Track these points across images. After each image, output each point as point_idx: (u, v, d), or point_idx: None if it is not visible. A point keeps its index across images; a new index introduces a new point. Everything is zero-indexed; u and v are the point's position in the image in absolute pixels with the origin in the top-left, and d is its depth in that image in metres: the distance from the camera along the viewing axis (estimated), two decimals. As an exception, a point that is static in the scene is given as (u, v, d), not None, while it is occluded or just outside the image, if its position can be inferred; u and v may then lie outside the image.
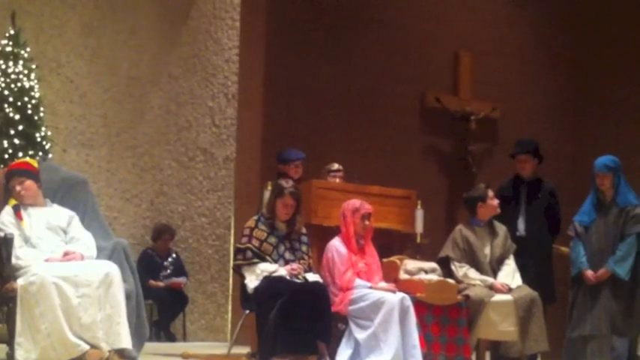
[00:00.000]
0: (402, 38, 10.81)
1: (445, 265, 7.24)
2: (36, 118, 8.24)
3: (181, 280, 9.41)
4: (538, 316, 6.95)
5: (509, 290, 7.02)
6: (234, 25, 10.16)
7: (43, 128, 8.30)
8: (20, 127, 8.10)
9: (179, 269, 9.51)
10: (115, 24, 9.49)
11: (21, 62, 8.29)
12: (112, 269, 5.57)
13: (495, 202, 7.33)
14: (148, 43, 9.70)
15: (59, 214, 5.90)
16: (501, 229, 7.38)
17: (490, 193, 7.36)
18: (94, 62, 9.39)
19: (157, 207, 9.64)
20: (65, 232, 5.85)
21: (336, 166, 8.31)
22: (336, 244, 6.64)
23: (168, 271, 9.44)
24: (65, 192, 6.10)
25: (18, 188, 5.78)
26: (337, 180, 8.06)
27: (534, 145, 7.95)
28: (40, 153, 8.11)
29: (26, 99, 8.19)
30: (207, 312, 9.73)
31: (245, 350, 6.78)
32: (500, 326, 6.86)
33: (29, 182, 5.81)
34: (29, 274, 5.43)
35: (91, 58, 9.38)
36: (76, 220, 5.92)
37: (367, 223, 6.67)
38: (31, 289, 5.36)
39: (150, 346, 6.01)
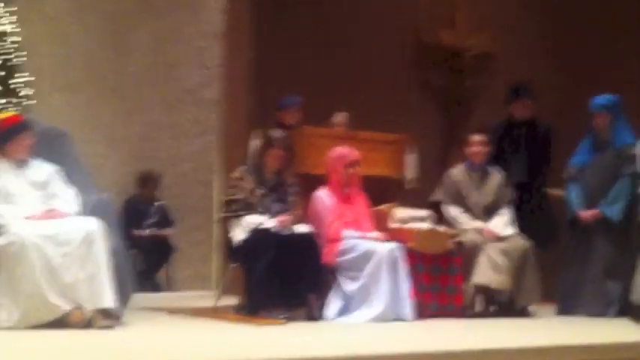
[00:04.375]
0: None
1: (438, 208, 7.12)
2: (16, 62, 8.01)
3: (167, 231, 9.29)
4: (531, 267, 6.84)
5: (499, 238, 6.89)
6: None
7: (27, 73, 8.08)
8: (2, 73, 7.89)
9: (164, 217, 9.38)
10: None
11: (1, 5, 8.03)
12: (94, 226, 5.46)
13: (474, 149, 7.12)
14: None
15: (41, 169, 5.79)
16: (497, 175, 7.21)
17: (474, 138, 7.16)
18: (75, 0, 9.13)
19: (142, 152, 9.47)
20: (47, 188, 5.73)
21: (340, 115, 8.15)
22: (321, 194, 6.50)
23: (154, 219, 9.31)
24: (46, 145, 5.95)
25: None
26: (341, 128, 7.94)
27: (531, 89, 7.73)
28: (23, 100, 7.91)
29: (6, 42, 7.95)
30: (193, 260, 9.61)
31: (233, 301, 6.69)
32: (493, 273, 6.74)
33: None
34: (9, 233, 5.32)
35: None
36: (59, 174, 5.81)
37: (352, 170, 6.50)
38: (11, 249, 5.29)
39: (134, 297, 5.92)
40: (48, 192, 5.72)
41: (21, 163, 5.71)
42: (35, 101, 8.14)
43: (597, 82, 9.87)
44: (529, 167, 7.60)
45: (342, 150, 6.57)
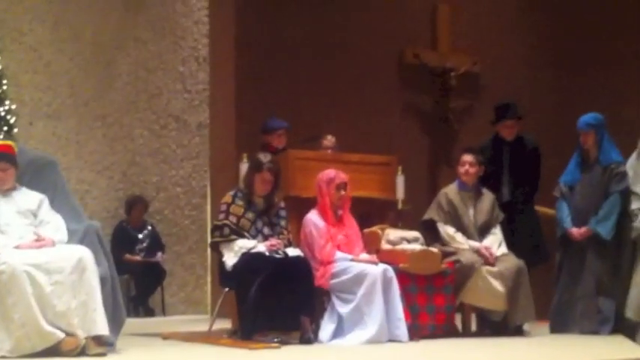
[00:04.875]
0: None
1: (429, 228, 7.11)
2: (-1, 91, 7.99)
3: (157, 257, 9.24)
4: (525, 285, 6.84)
5: (494, 258, 6.89)
6: (202, -15, 9.88)
7: (7, 102, 8.03)
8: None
9: (155, 242, 9.35)
10: (77, -13, 9.19)
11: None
12: (85, 254, 5.42)
13: (462, 169, 7.13)
14: (112, 4, 9.40)
15: (29, 197, 5.74)
16: (488, 195, 7.22)
17: (465, 157, 7.15)
18: (57, 29, 9.10)
19: (129, 178, 9.44)
20: (35, 216, 5.68)
21: (329, 137, 8.17)
22: (312, 217, 6.48)
23: (144, 244, 9.28)
24: (33, 174, 5.91)
25: (0, 175, 5.59)
26: (329, 151, 7.95)
27: (517, 108, 7.76)
28: (6, 128, 7.86)
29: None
30: (186, 284, 9.59)
31: (226, 324, 6.66)
32: (487, 294, 6.75)
33: (11, 169, 5.64)
34: (-1, 262, 5.26)
35: (54, 25, 9.08)
36: (46, 202, 5.76)
37: (343, 192, 6.50)
38: (2, 278, 5.23)
39: (128, 322, 5.88)
40: (36, 219, 5.66)
41: (7, 192, 5.65)
42: (16, 130, 8.09)
43: (585, 95, 9.96)
44: (515, 186, 7.59)
45: (330, 172, 6.56)
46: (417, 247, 6.74)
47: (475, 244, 6.96)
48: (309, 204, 6.61)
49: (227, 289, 6.40)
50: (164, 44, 9.70)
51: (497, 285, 6.77)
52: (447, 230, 7.02)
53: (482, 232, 7.08)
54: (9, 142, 5.85)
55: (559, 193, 7.20)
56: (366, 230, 6.76)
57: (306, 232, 6.45)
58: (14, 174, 5.68)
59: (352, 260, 6.36)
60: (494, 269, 6.83)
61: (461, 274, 6.76)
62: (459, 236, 7.00)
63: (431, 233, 7.08)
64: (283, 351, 5.70)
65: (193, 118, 9.72)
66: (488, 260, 6.85)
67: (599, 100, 9.69)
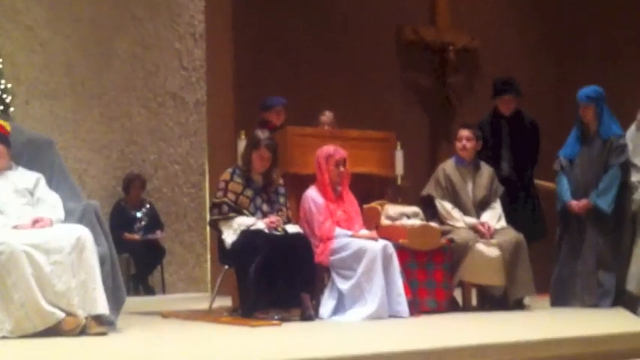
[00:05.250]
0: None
1: (428, 204, 7.09)
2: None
3: (156, 235, 9.22)
4: (524, 259, 6.83)
5: (492, 232, 6.87)
6: (197, -40, 9.80)
7: (3, 80, 7.98)
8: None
9: (154, 220, 9.32)
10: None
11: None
12: (84, 233, 5.39)
13: (460, 144, 7.10)
14: (107, -18, 9.34)
15: (25, 176, 5.71)
16: (487, 170, 7.20)
17: (462, 132, 7.13)
18: (53, 8, 9.03)
19: (127, 156, 9.40)
20: (32, 195, 5.66)
21: (327, 113, 8.15)
22: (311, 193, 6.45)
23: (143, 222, 9.25)
24: (31, 154, 5.89)
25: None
26: (326, 127, 7.91)
27: (516, 84, 7.73)
28: (1, 107, 7.82)
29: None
30: (186, 263, 9.57)
31: (227, 302, 6.65)
32: (485, 271, 6.75)
33: (2, 148, 5.60)
34: (-3, 242, 5.24)
35: (50, 4, 9.01)
36: (43, 181, 5.74)
37: (342, 169, 6.48)
38: (1, 258, 5.18)
39: (129, 301, 5.87)
40: (33, 199, 5.64)
41: (2, 172, 5.62)
42: (13, 109, 8.04)
43: (585, 74, 9.93)
44: (514, 161, 7.58)
45: (329, 149, 6.53)
46: (416, 222, 6.73)
47: (471, 220, 6.94)
48: (307, 181, 6.59)
49: (227, 267, 6.39)
50: (160, 21, 9.63)
51: (495, 259, 6.76)
52: (445, 206, 7.01)
53: (482, 206, 7.06)
54: (1, 122, 5.82)
55: (559, 166, 7.18)
56: (366, 206, 6.74)
57: (306, 208, 6.43)
58: (8, 154, 5.64)
59: (352, 236, 6.34)
60: (493, 241, 6.81)
61: (456, 253, 6.75)
62: (456, 212, 6.98)
63: (430, 209, 7.07)
64: (284, 328, 5.68)
65: (191, 95, 9.67)
66: (485, 235, 6.83)
67: (599, 75, 9.65)
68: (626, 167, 6.91)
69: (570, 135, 7.22)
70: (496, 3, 10.88)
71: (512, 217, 7.16)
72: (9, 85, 8.12)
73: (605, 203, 6.91)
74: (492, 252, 6.78)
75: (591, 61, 10.63)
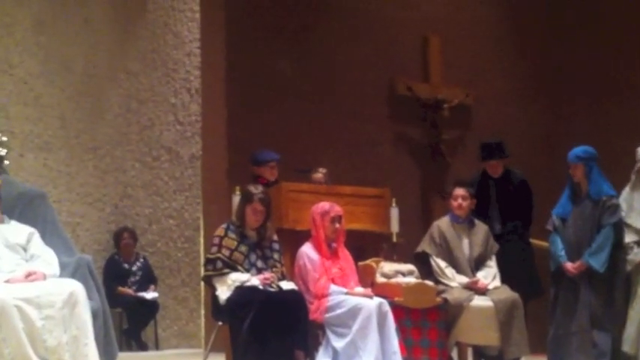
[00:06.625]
0: (368, 25, 10.59)
1: (423, 261, 7.07)
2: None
3: (149, 293, 9.13)
4: (519, 319, 6.81)
5: (485, 286, 6.84)
6: (193, 17, 9.87)
7: (-3, 135, 7.97)
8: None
9: (148, 275, 9.26)
10: (66, 18, 9.10)
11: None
12: (76, 288, 5.33)
13: (455, 202, 7.11)
14: (102, 37, 9.36)
15: (18, 230, 5.65)
16: (482, 227, 7.21)
17: (457, 191, 7.14)
18: (47, 61, 9.06)
19: (121, 210, 9.36)
20: (25, 250, 5.61)
21: (320, 170, 8.19)
22: (307, 250, 6.44)
23: (137, 277, 9.19)
24: (23, 207, 5.84)
25: None
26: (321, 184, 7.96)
27: (503, 148, 7.79)
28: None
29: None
30: (180, 318, 9.49)
31: (220, 358, 6.58)
32: (480, 331, 6.71)
33: None
34: (-12, 296, 5.18)
35: (44, 57, 9.04)
36: (36, 236, 5.68)
37: (338, 225, 6.48)
38: (-8, 313, 5.12)
39: (121, 357, 5.80)
40: (27, 253, 5.59)
41: (-5, 225, 5.59)
42: (7, 162, 8.01)
43: (577, 127, 9.98)
44: (503, 220, 7.60)
45: (325, 205, 6.54)
46: (412, 280, 6.70)
47: (464, 279, 6.91)
48: (302, 237, 6.59)
49: (220, 323, 6.34)
50: (155, 76, 9.66)
51: (490, 319, 6.72)
52: (439, 264, 6.99)
53: (478, 264, 7.05)
54: None
55: (552, 226, 7.17)
56: (361, 263, 6.73)
57: (300, 265, 6.42)
58: None
59: (347, 294, 6.33)
60: (488, 302, 6.78)
61: (450, 313, 6.72)
62: (449, 271, 6.96)
63: (425, 266, 7.05)
64: (277, 386, 5.63)
65: (185, 150, 9.67)
66: (480, 290, 6.80)
67: (592, 131, 9.71)
68: (619, 227, 6.92)
69: (563, 194, 7.23)
70: (489, 58, 10.97)
71: (506, 275, 7.13)
72: (4, 138, 8.11)
73: (599, 263, 6.89)
74: (487, 311, 6.74)
75: (584, 108, 10.70)
